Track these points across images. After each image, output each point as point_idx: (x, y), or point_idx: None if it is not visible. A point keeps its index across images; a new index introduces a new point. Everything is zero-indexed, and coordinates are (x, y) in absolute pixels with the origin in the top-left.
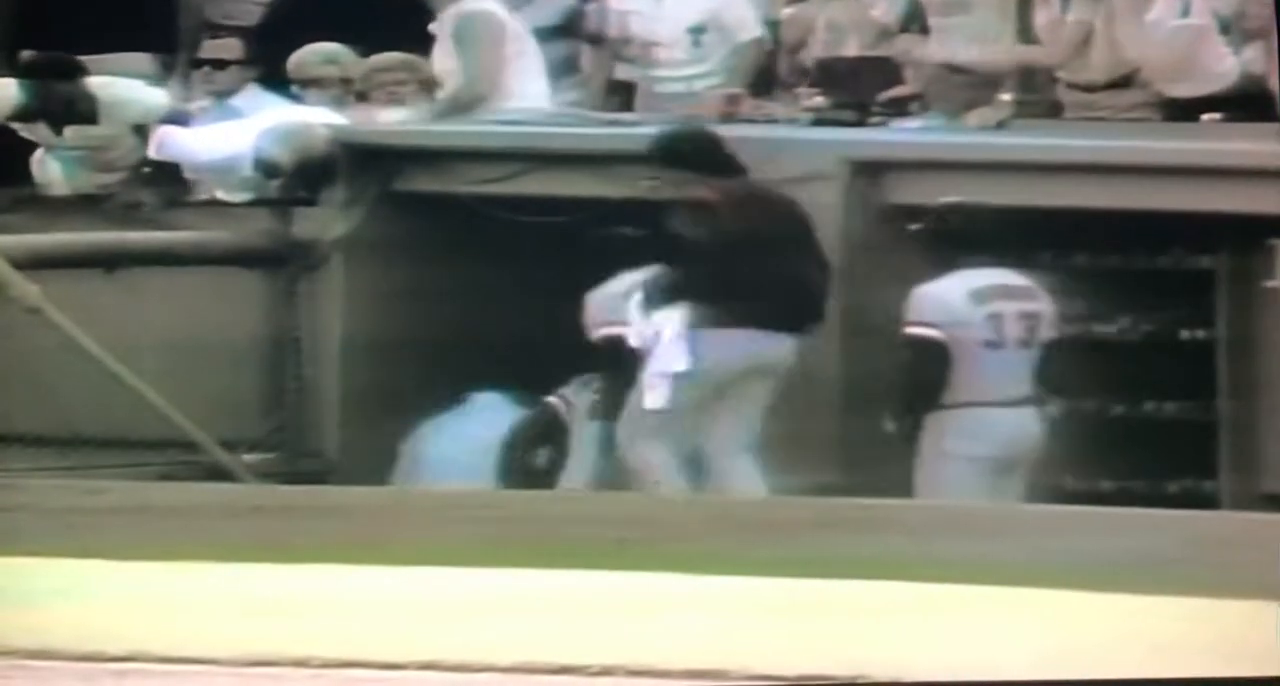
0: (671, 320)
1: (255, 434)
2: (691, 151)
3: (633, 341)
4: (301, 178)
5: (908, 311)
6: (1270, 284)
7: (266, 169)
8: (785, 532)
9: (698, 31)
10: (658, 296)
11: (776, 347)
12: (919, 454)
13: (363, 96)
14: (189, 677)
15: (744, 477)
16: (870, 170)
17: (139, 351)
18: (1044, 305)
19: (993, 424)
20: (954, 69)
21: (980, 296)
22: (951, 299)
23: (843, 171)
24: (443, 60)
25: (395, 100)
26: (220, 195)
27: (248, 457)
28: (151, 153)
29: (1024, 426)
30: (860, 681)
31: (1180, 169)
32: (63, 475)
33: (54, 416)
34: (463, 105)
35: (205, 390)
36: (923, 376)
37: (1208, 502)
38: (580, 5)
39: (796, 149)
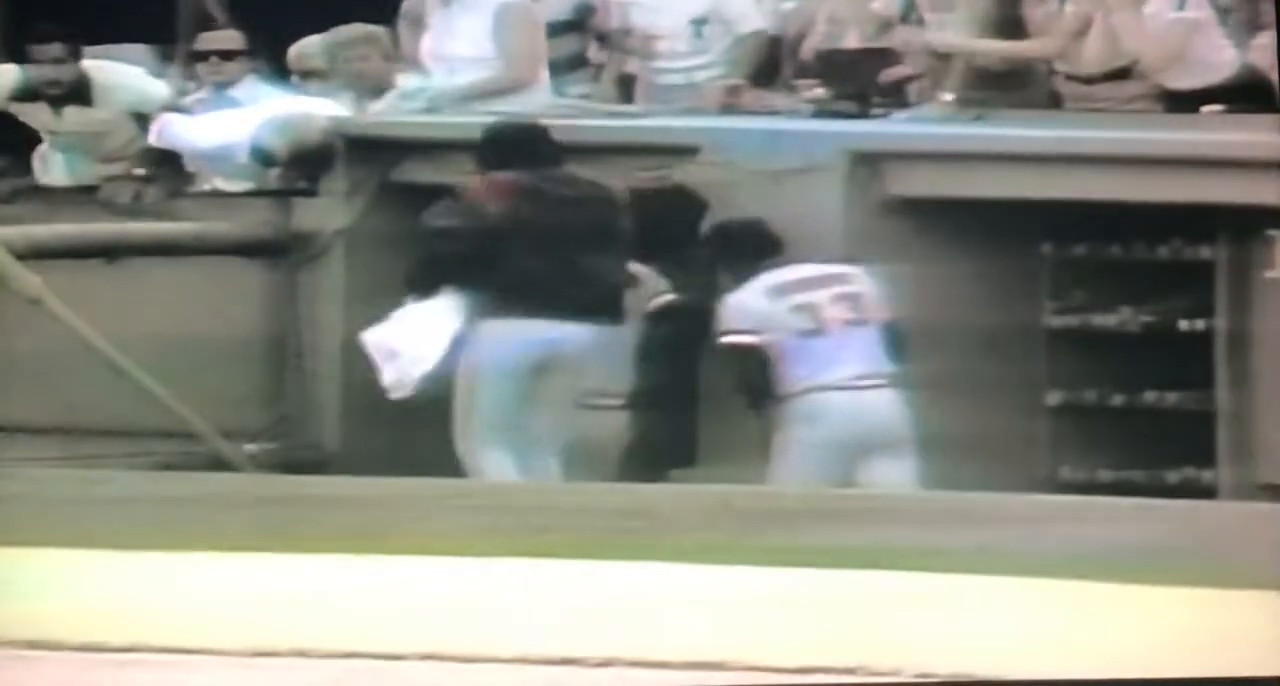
0: (430, 313)
1: (256, 424)
2: (510, 144)
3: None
4: (298, 166)
5: (721, 321)
6: (1269, 274)
7: (263, 157)
8: (785, 523)
9: (700, 23)
10: (418, 289)
11: (568, 341)
12: (773, 446)
13: (324, 76)
14: (190, 667)
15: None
16: (870, 161)
17: (140, 342)
18: (862, 286)
19: (833, 408)
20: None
21: (779, 291)
22: (752, 301)
23: (843, 163)
24: (469, 45)
25: (361, 78)
26: (219, 185)
27: (248, 448)
28: (151, 140)
29: (870, 407)
30: (859, 672)
31: (1180, 160)
32: (63, 465)
33: (55, 406)
34: (503, 90)
35: (206, 380)
36: (749, 378)
37: (1206, 492)
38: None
39: (797, 140)
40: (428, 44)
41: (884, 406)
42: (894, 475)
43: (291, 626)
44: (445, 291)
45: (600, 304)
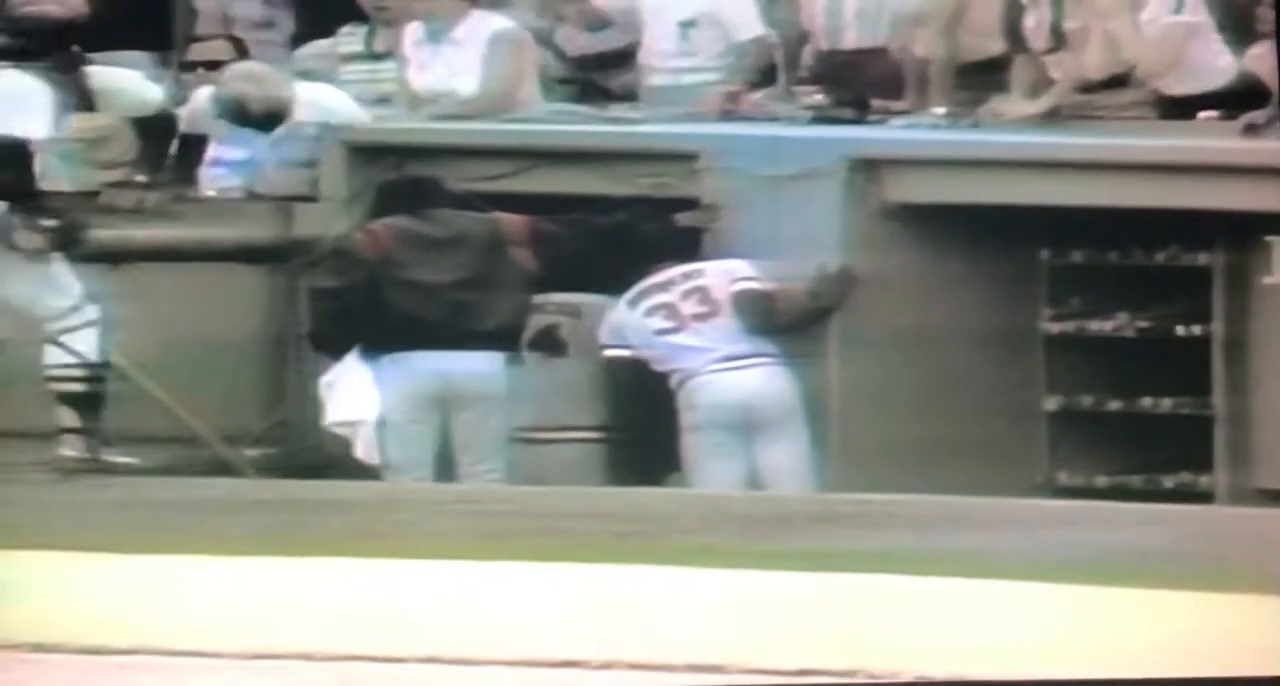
0: (346, 368)
1: (257, 428)
2: (394, 195)
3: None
4: (265, 121)
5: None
6: (1267, 280)
7: (229, 106)
8: (784, 527)
9: (688, 25)
10: (328, 352)
11: (458, 374)
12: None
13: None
14: (192, 671)
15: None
16: (869, 167)
17: (142, 346)
18: (710, 277)
19: (705, 390)
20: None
21: (636, 298)
22: (615, 314)
23: (842, 169)
24: (456, 65)
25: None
26: (218, 190)
27: (249, 452)
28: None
29: (739, 385)
30: (859, 675)
31: (1177, 166)
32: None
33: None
34: (475, 112)
35: (207, 384)
36: (628, 384)
37: (1203, 497)
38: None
39: (796, 146)
40: (413, 77)
41: (756, 383)
42: (785, 452)
43: (294, 630)
44: (351, 347)
45: (489, 336)
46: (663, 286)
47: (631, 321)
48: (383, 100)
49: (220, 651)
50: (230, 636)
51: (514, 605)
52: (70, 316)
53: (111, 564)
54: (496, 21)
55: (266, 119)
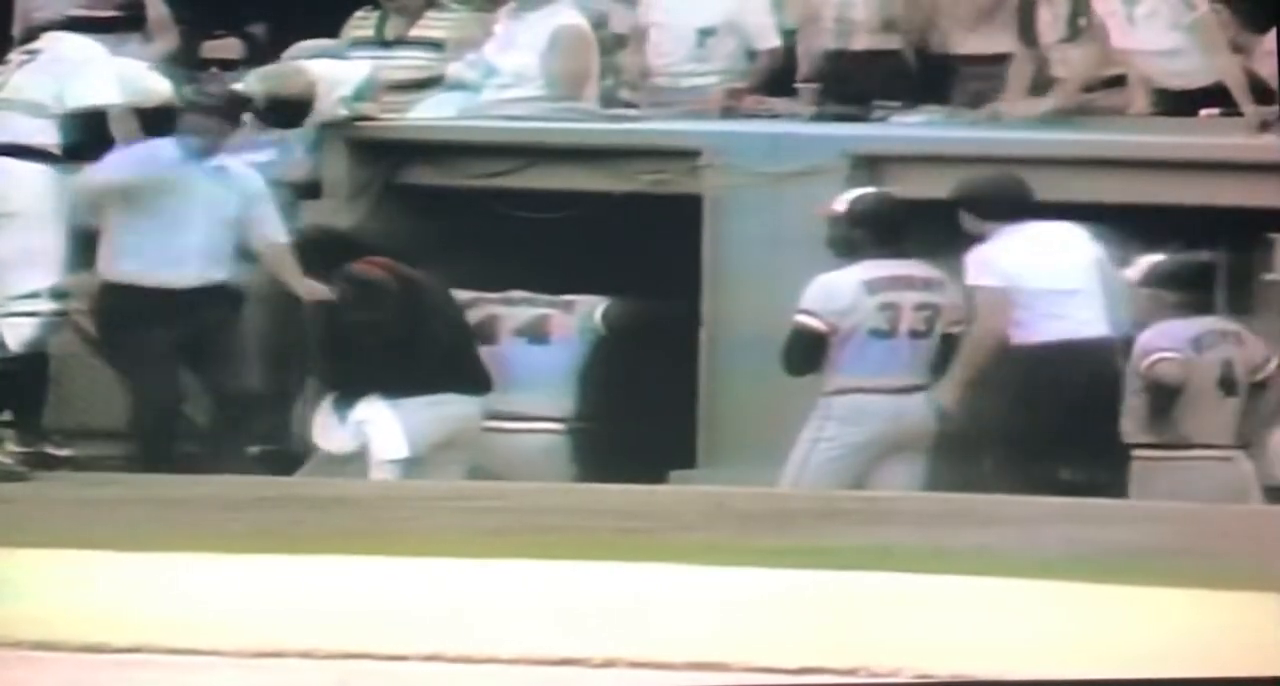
0: (377, 413)
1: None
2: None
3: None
4: (274, 113)
5: (805, 296)
6: (1270, 277)
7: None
8: (787, 524)
9: (707, 33)
10: (353, 394)
11: (462, 413)
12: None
13: None
14: (192, 668)
15: None
16: (871, 164)
17: None
18: (947, 298)
19: (872, 410)
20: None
21: (874, 287)
22: (843, 288)
23: (843, 166)
24: (522, 59)
25: None
26: None
27: (253, 449)
28: None
29: (906, 412)
30: (860, 673)
31: (1180, 163)
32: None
33: (63, 408)
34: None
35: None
36: (795, 362)
37: None
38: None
39: (798, 144)
40: (489, 49)
41: (917, 410)
42: (906, 476)
43: (296, 627)
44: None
45: (477, 376)
46: (906, 284)
47: (859, 308)
48: (406, 87)
49: (221, 649)
50: (231, 634)
51: (514, 602)
52: (25, 303)
53: (111, 561)
54: (566, 14)
55: (293, 115)
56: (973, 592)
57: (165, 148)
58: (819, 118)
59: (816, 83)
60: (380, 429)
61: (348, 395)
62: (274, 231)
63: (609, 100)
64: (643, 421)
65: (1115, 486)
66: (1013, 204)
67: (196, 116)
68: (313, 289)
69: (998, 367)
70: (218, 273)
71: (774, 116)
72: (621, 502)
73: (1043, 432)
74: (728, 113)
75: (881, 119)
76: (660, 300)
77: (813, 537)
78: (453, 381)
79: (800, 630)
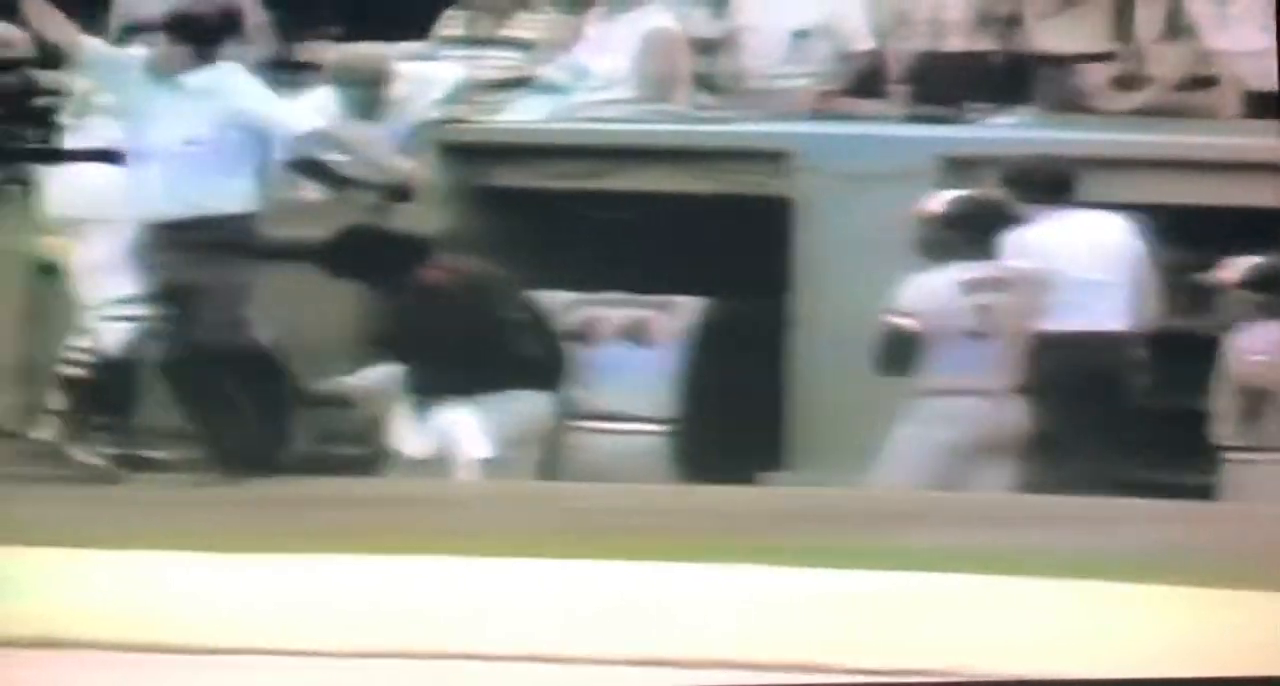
0: (457, 415)
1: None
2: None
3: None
4: (353, 101)
5: (901, 296)
6: None
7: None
8: (876, 525)
9: (800, 36)
10: (430, 398)
11: (535, 409)
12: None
13: None
14: (226, 668)
15: None
16: (962, 166)
17: None
18: (1035, 298)
19: (966, 411)
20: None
21: (969, 288)
22: (938, 289)
23: (935, 168)
24: (615, 61)
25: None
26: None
27: (337, 452)
28: None
29: (1001, 414)
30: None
31: (1271, 166)
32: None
33: (155, 411)
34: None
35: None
36: (888, 362)
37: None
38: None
39: (889, 145)
40: (580, 51)
41: (1009, 412)
42: (998, 478)
43: (333, 626)
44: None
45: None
46: (996, 285)
47: (955, 308)
48: (496, 87)
49: (262, 648)
50: (278, 633)
51: (605, 602)
52: (121, 307)
53: (202, 562)
54: (658, 16)
55: (374, 106)
56: (1053, 593)
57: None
58: (910, 119)
59: (908, 84)
60: (463, 430)
61: (425, 399)
62: None
63: (701, 102)
64: (734, 422)
65: (1207, 490)
66: (1056, 188)
67: None
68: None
69: (1029, 357)
70: None
71: (865, 118)
72: (712, 503)
73: (1098, 430)
74: (819, 114)
75: (973, 121)
76: (753, 301)
77: (902, 538)
78: (526, 378)
79: (888, 631)
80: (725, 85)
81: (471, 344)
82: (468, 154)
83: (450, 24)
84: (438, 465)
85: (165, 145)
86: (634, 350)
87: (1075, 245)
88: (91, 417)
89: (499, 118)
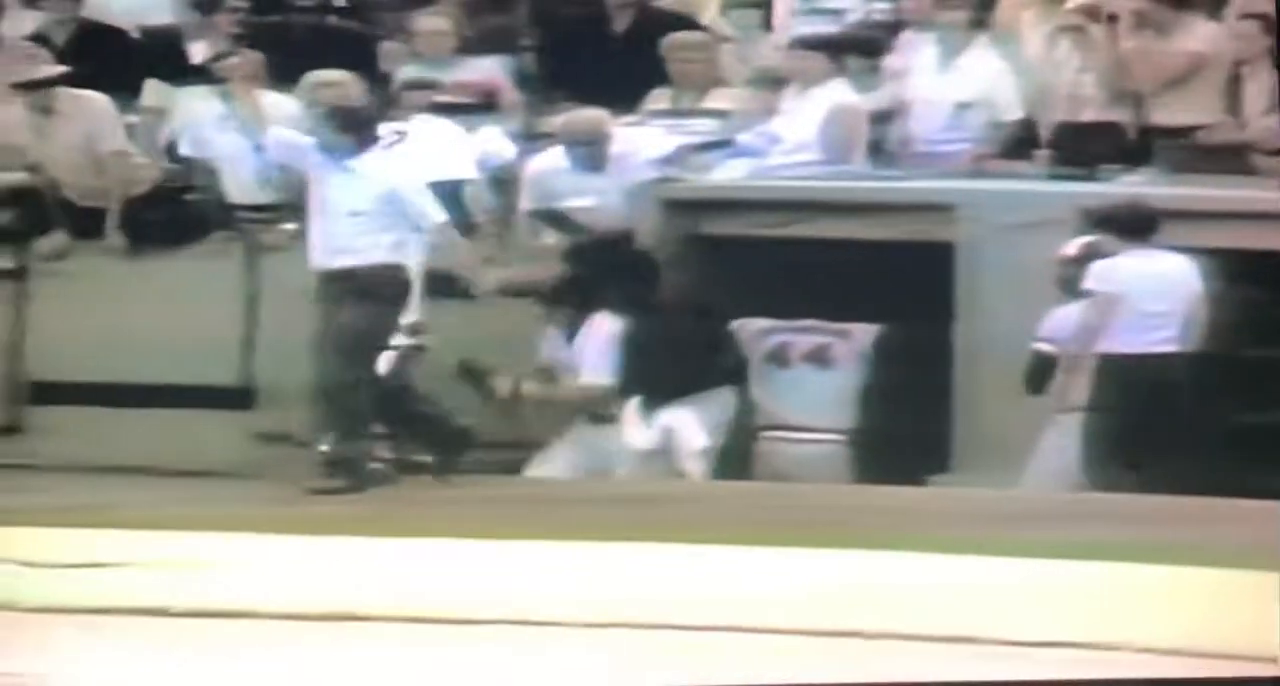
0: (679, 411)
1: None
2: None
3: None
4: (576, 153)
5: (1043, 325)
6: None
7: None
8: (1028, 521)
9: (963, 107)
10: (656, 396)
11: (728, 408)
12: (1037, 448)
13: None
14: (535, 639)
15: None
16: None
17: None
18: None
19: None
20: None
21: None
22: (1073, 319)
23: (1073, 218)
24: (800, 129)
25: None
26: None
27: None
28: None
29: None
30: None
31: None
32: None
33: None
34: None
35: None
36: (1033, 382)
37: None
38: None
39: (1035, 199)
40: (776, 122)
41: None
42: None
43: (624, 605)
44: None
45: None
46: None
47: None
48: (706, 149)
49: (560, 620)
50: (570, 609)
51: (798, 586)
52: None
53: (466, 549)
54: (843, 93)
55: (597, 161)
56: (1165, 579)
57: None
58: (1053, 177)
59: (1051, 148)
60: (685, 425)
61: (651, 397)
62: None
63: (876, 163)
64: (906, 434)
65: None
66: (1140, 227)
67: None
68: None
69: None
70: None
71: (1016, 176)
72: (889, 502)
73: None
74: (977, 173)
75: (1105, 179)
76: (922, 329)
77: (1049, 532)
78: (723, 381)
79: (1038, 610)
80: (897, 149)
81: (687, 353)
82: (683, 207)
83: (658, 99)
84: (662, 456)
85: (335, 211)
86: (818, 370)
87: (1148, 278)
88: (368, 429)
89: (708, 177)
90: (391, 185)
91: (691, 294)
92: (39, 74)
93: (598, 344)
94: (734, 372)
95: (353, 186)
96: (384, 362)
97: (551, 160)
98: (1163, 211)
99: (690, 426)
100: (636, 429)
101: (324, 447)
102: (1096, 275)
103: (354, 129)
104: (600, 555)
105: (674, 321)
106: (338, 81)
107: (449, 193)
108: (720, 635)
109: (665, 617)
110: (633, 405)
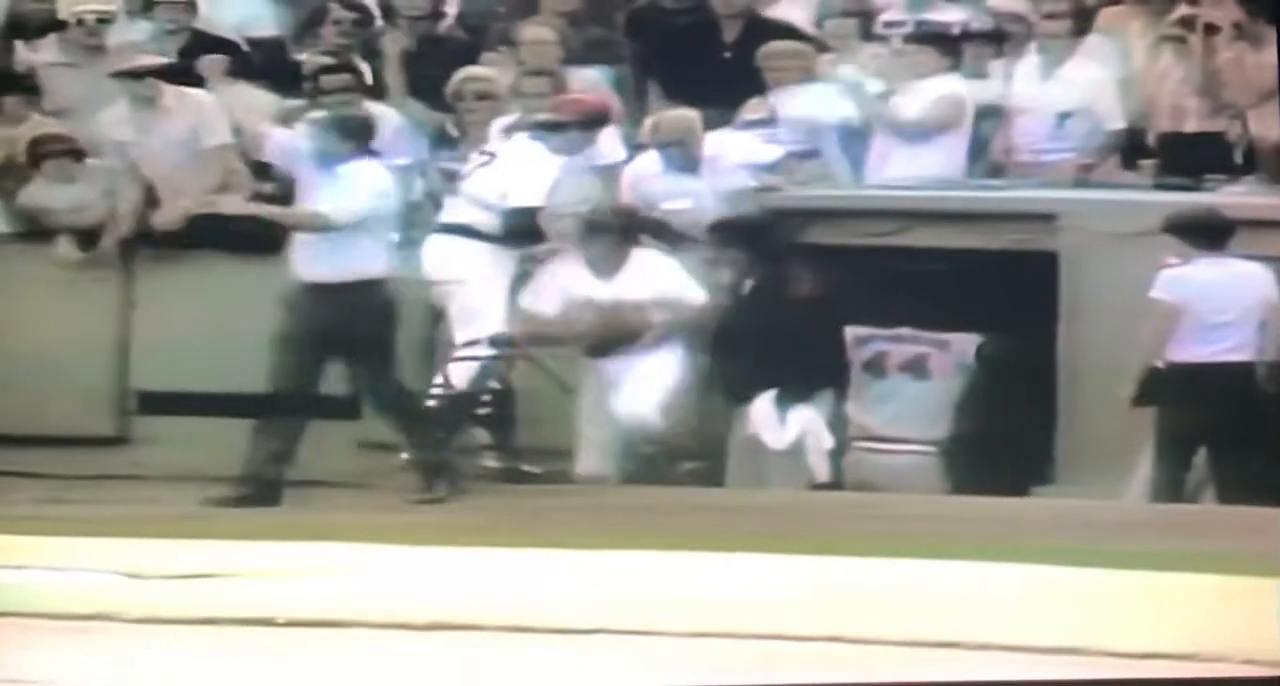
0: (809, 410)
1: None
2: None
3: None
4: (668, 154)
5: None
6: None
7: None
8: (1131, 532)
9: (1065, 116)
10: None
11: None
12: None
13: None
14: (587, 645)
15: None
16: None
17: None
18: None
19: None
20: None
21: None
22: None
23: None
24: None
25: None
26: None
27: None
28: None
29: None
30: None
31: None
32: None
33: (535, 432)
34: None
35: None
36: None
37: None
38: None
39: (1140, 209)
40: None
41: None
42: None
43: (723, 611)
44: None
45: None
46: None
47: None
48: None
49: (663, 628)
50: (669, 613)
51: (890, 594)
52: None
53: (563, 558)
54: (953, 84)
55: (688, 163)
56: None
57: None
58: (1156, 187)
59: (1154, 158)
60: (814, 425)
61: (786, 395)
62: None
63: (980, 172)
64: (1009, 444)
65: None
66: (1213, 235)
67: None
68: None
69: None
70: None
71: (1119, 186)
72: (989, 512)
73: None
74: (1080, 183)
75: (1211, 189)
76: (1025, 339)
77: (1150, 544)
78: (830, 382)
79: (1141, 620)
80: (1001, 157)
81: (808, 351)
82: (783, 215)
83: (753, 109)
84: (793, 456)
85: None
86: (913, 381)
87: (1216, 286)
88: (451, 438)
89: (810, 186)
90: (377, 196)
91: (811, 292)
92: (140, 63)
93: None
94: (838, 377)
95: (340, 194)
96: (457, 373)
97: (647, 164)
98: (1265, 222)
99: (819, 426)
100: (772, 429)
101: (405, 456)
102: (1162, 284)
103: (354, 137)
104: (706, 563)
105: (800, 316)
106: (486, 77)
107: (525, 215)
108: (816, 644)
109: (773, 627)
110: (766, 403)
